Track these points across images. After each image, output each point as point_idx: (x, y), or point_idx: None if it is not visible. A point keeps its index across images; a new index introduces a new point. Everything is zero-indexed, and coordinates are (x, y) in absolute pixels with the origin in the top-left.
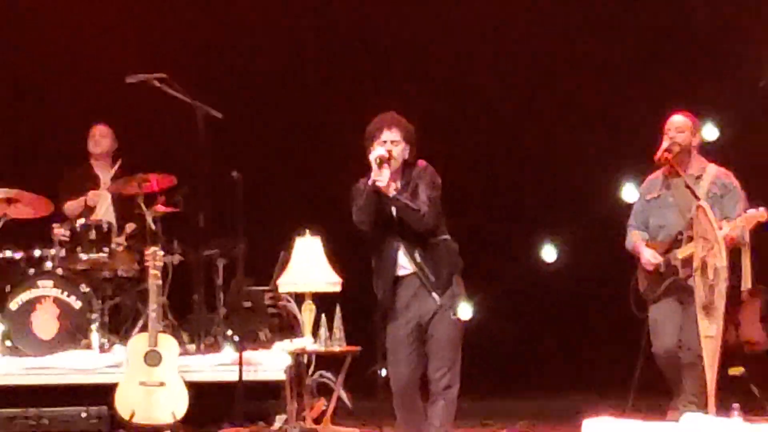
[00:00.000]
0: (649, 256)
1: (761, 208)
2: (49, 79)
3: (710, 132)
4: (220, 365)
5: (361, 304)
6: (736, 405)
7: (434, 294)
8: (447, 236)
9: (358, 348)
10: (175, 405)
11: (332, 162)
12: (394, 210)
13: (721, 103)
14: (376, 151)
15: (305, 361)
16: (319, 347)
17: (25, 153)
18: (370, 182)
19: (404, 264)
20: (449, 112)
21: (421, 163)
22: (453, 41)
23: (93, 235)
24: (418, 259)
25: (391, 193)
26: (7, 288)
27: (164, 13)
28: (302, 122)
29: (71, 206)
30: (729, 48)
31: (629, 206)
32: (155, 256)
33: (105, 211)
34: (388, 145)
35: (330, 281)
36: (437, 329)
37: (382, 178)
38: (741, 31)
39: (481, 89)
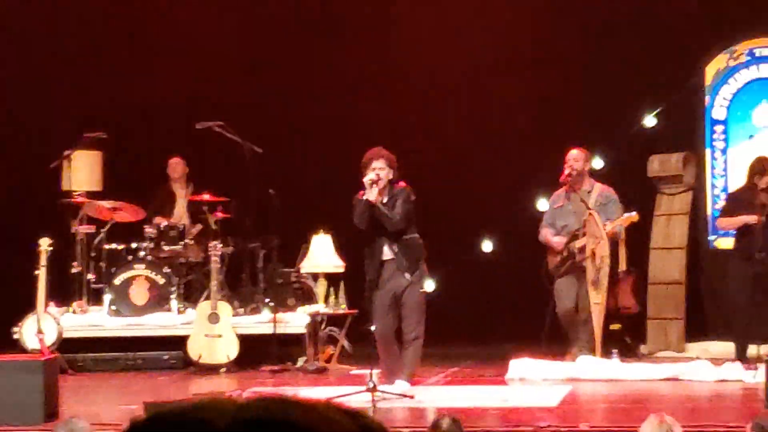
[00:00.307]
0: (559, 240)
1: (633, 212)
2: (141, 122)
3: (597, 162)
4: (260, 323)
5: (357, 280)
6: (615, 350)
7: (406, 274)
8: (416, 234)
9: (356, 311)
10: (229, 350)
11: (338, 182)
12: (379, 207)
13: (605, 141)
14: (368, 176)
15: (319, 320)
16: (329, 310)
17: (125, 175)
18: (364, 198)
19: (387, 253)
20: (421, 144)
21: (402, 183)
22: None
23: (172, 233)
24: (396, 249)
25: (379, 204)
26: (113, 269)
27: (219, 74)
28: (316, 154)
29: (158, 219)
30: (613, 99)
31: (541, 213)
32: (215, 247)
33: (181, 216)
34: (377, 171)
35: (336, 265)
36: (408, 298)
37: (371, 196)
38: (622, 85)
39: (441, 126)
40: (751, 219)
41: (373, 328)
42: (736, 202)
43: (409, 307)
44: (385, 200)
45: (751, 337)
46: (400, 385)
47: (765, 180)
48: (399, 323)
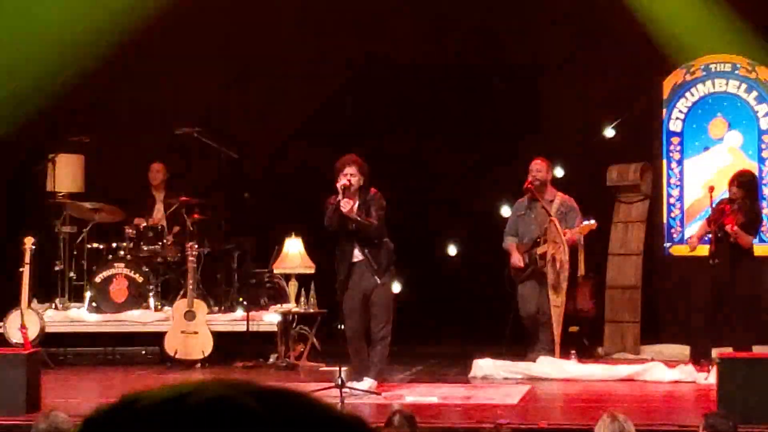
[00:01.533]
0: (516, 260)
1: (592, 220)
2: (122, 127)
3: (558, 171)
4: (234, 321)
5: (327, 281)
6: (573, 352)
7: (375, 276)
8: (386, 239)
9: (325, 310)
10: (204, 346)
11: (309, 187)
12: (356, 218)
13: (566, 151)
14: (341, 181)
15: (290, 318)
16: (299, 309)
17: (107, 178)
18: (337, 205)
19: (357, 255)
20: (387, 148)
21: (373, 190)
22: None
23: (151, 233)
24: (366, 252)
25: (353, 215)
26: (94, 267)
27: (197, 78)
28: (289, 160)
29: (137, 220)
30: (574, 111)
31: (505, 219)
32: (192, 248)
33: (159, 218)
34: (349, 176)
35: (307, 266)
36: (377, 299)
37: (345, 206)
38: (582, 98)
39: (407, 132)
40: (703, 227)
41: (342, 327)
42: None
43: (377, 307)
44: (356, 206)
45: (706, 341)
46: (368, 383)
47: (733, 190)
48: (368, 323)
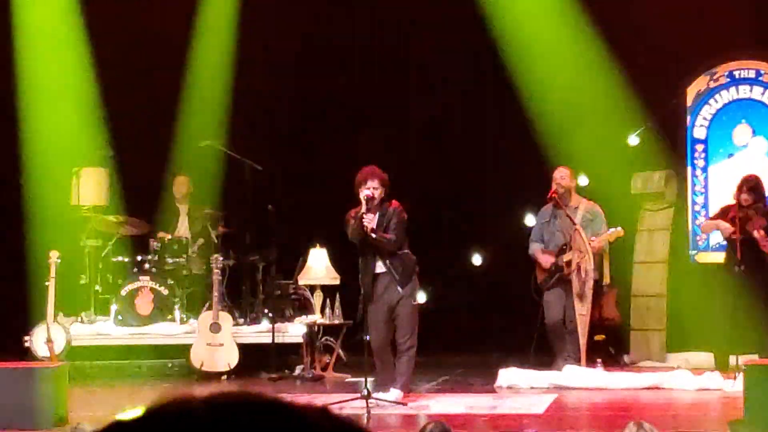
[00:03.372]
0: (547, 259)
1: (618, 228)
2: (146, 141)
3: (583, 179)
4: (259, 332)
5: (352, 292)
6: (599, 360)
7: (399, 287)
8: (407, 250)
9: (351, 321)
10: (230, 359)
11: (334, 199)
12: (374, 236)
13: (591, 159)
14: (364, 193)
15: (316, 330)
16: (325, 321)
17: (132, 190)
18: (361, 219)
19: (380, 267)
20: (414, 161)
21: (395, 203)
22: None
23: (176, 246)
24: (389, 264)
25: (373, 233)
26: (119, 281)
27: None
28: (313, 172)
29: (162, 233)
30: (599, 120)
31: (529, 228)
32: (217, 260)
33: (184, 230)
34: (372, 190)
35: (332, 277)
36: (401, 310)
37: (369, 223)
38: (607, 106)
39: (434, 144)
40: (727, 228)
41: (368, 338)
42: (722, 216)
43: (402, 318)
44: (377, 217)
45: (731, 348)
46: (394, 393)
47: (743, 197)
48: (393, 334)
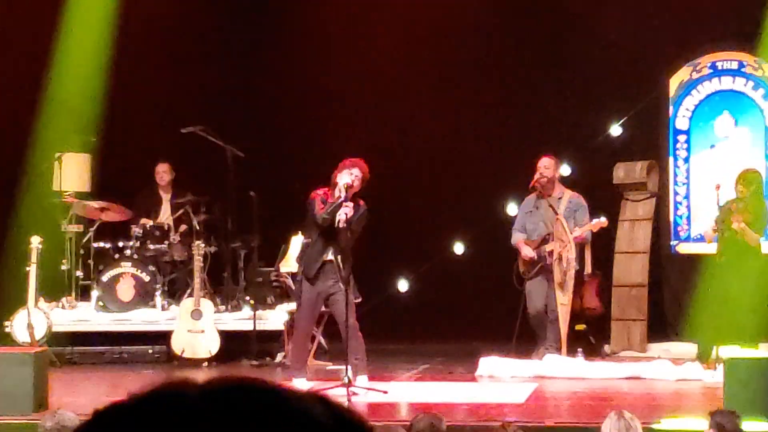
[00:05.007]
0: (528, 252)
1: (603, 218)
2: (131, 127)
3: (565, 168)
4: (240, 319)
5: None
6: (580, 350)
7: (339, 283)
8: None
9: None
10: (211, 345)
11: (316, 186)
12: (339, 223)
13: (573, 149)
14: (344, 179)
15: None
16: None
17: (113, 176)
18: (339, 203)
19: (329, 255)
20: (395, 148)
21: (362, 202)
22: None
23: (157, 232)
24: (339, 258)
25: (346, 222)
26: (101, 267)
27: (202, 77)
28: (295, 158)
29: (144, 219)
30: (581, 109)
31: (511, 217)
32: (198, 247)
33: (166, 217)
34: (353, 178)
35: None
36: (336, 306)
37: (349, 212)
38: (589, 96)
39: (415, 131)
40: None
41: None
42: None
43: (338, 312)
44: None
45: (712, 339)
46: (364, 379)
47: (739, 189)
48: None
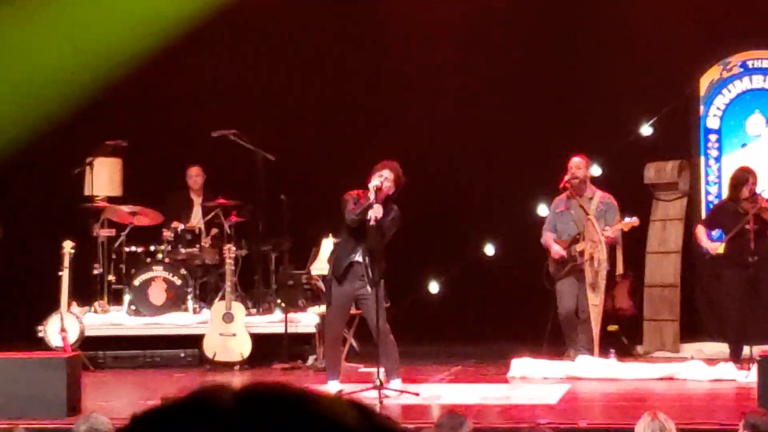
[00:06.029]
0: (558, 250)
1: (634, 217)
2: (162, 131)
3: (596, 169)
4: (272, 322)
5: None
6: (612, 350)
7: (368, 286)
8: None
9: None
10: (243, 349)
11: (347, 189)
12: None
13: (603, 149)
14: (374, 181)
15: None
16: None
17: (144, 181)
18: (369, 205)
19: (358, 256)
20: (427, 151)
21: (395, 206)
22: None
23: (189, 236)
24: (367, 260)
25: (375, 221)
26: (132, 271)
27: (234, 82)
28: (325, 161)
29: (175, 223)
30: (612, 109)
31: (542, 218)
32: (230, 250)
33: (197, 220)
34: (384, 179)
35: None
36: (368, 309)
37: (376, 213)
38: (620, 96)
39: (446, 134)
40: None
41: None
42: (720, 212)
43: (369, 315)
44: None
45: (744, 339)
46: (397, 382)
47: (747, 189)
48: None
